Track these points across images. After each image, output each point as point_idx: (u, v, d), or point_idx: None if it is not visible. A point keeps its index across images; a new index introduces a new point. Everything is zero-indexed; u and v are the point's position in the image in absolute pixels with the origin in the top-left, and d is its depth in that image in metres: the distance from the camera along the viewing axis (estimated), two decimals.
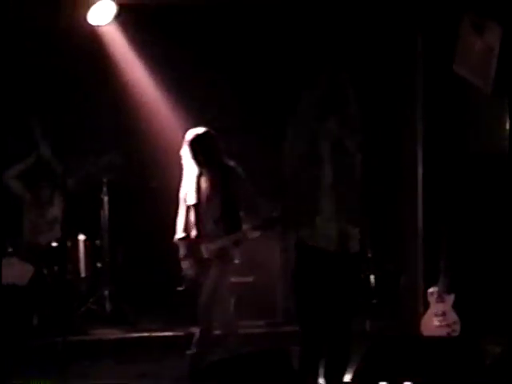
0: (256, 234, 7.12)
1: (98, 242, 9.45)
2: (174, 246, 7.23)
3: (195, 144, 7.13)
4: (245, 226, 7.09)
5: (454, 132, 8.52)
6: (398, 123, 9.25)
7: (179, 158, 7.32)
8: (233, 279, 8.69)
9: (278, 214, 6.74)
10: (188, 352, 7.06)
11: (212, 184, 7.13)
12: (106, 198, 9.39)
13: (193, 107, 9.19)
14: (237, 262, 7.19)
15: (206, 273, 7.05)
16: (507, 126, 7.54)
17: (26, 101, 9.42)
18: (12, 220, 9.24)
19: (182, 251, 7.25)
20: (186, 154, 7.21)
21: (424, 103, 8.91)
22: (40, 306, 8.75)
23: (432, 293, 8.07)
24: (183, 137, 7.17)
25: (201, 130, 7.17)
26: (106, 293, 9.29)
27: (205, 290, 7.04)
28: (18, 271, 8.69)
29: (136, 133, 9.58)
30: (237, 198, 7.11)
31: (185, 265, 7.23)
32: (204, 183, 7.16)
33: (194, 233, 7.18)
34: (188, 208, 7.22)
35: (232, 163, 7.14)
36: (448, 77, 8.25)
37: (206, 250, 7.07)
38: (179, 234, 7.25)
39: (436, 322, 7.95)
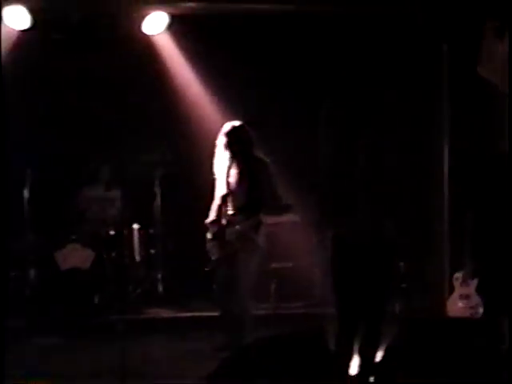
0: (272, 219, 7.14)
1: (151, 230, 9.55)
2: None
3: (230, 135, 7.11)
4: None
5: (478, 129, 8.51)
6: (427, 122, 9.21)
7: None
8: (274, 265, 8.84)
9: (291, 202, 6.81)
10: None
11: (240, 174, 7.09)
12: (158, 191, 9.49)
13: (236, 108, 9.19)
14: (261, 246, 7.09)
15: (229, 257, 7.02)
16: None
17: (88, 105, 9.48)
18: (73, 210, 9.39)
19: (208, 234, 7.24)
20: (220, 143, 7.19)
21: (450, 103, 8.94)
22: (100, 287, 8.89)
23: (457, 278, 8.09)
24: None
25: (237, 123, 7.15)
26: (159, 276, 9.45)
27: (225, 273, 7.07)
28: (80, 256, 8.85)
29: (185, 132, 9.60)
30: (261, 188, 7.02)
31: (209, 247, 7.23)
32: (233, 173, 7.13)
33: (221, 218, 7.16)
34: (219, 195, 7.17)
35: (261, 156, 7.10)
36: (472, 78, 8.22)
37: (228, 234, 7.06)
38: (209, 218, 7.24)
39: (460, 304, 7.96)
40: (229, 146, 7.09)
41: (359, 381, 5.98)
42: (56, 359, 7.59)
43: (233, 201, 7.10)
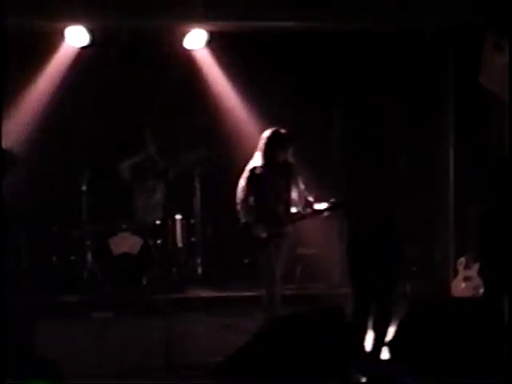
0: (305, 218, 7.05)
1: (192, 220, 9.59)
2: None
3: (269, 140, 6.98)
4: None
5: (480, 131, 8.49)
6: (433, 125, 9.20)
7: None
8: (300, 251, 8.87)
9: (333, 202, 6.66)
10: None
11: (276, 177, 6.97)
12: (198, 186, 9.55)
13: (266, 115, 9.17)
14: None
15: (273, 244, 6.91)
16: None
17: (138, 112, 9.54)
18: (124, 203, 9.42)
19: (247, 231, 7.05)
20: (260, 147, 7.03)
21: (455, 107, 8.95)
22: (147, 270, 8.94)
23: (461, 262, 8.11)
24: (258, 136, 7.12)
25: (276, 129, 7.01)
26: (198, 260, 9.49)
27: (267, 258, 6.93)
28: (130, 243, 8.94)
29: (221, 135, 9.63)
30: (295, 185, 6.99)
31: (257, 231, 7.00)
32: (269, 175, 6.96)
33: (254, 215, 6.97)
34: (251, 194, 7.00)
35: (292, 160, 7.02)
36: (474, 87, 8.21)
37: (266, 229, 6.89)
38: (242, 218, 7.03)
39: (463, 285, 7.99)
40: (267, 150, 6.97)
41: (373, 353, 6.03)
42: (107, 331, 7.71)
43: (267, 200, 6.96)
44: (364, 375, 5.75)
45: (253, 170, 6.96)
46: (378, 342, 5.99)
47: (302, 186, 7.02)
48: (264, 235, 6.85)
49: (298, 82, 9.50)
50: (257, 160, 7.00)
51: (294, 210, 6.98)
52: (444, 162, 9.07)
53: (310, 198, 6.99)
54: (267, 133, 7.00)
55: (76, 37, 8.70)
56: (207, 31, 8.80)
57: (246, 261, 9.32)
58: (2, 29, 6.84)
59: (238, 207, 7.01)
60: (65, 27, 8.53)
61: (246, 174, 6.99)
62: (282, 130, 7.00)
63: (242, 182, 6.98)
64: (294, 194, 7.00)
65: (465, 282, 8.02)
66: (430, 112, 9.16)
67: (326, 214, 6.78)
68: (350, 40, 9.03)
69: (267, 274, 6.91)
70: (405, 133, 5.98)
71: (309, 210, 6.93)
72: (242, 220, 7.00)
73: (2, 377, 4.73)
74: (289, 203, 6.98)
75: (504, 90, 7.55)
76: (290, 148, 7.00)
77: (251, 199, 6.95)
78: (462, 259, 8.14)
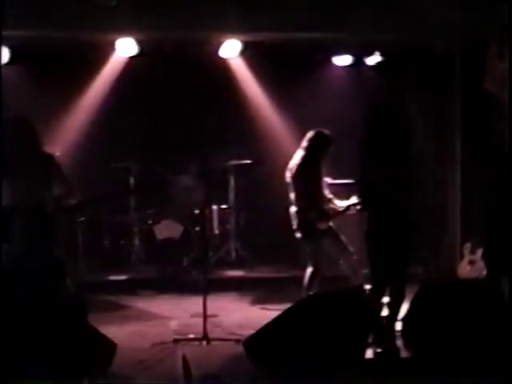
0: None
1: (227, 210, 9.59)
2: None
3: (313, 140, 6.80)
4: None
5: (485, 131, 8.42)
6: (442, 127, 9.16)
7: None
8: None
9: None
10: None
11: (318, 173, 6.81)
12: (232, 179, 9.55)
13: (297, 117, 9.21)
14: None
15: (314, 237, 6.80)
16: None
17: (180, 115, 9.57)
18: (168, 195, 9.44)
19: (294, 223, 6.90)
20: (303, 146, 6.84)
21: (461, 111, 8.90)
22: (187, 253, 8.98)
23: (466, 247, 8.10)
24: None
25: (319, 130, 6.84)
26: (232, 245, 9.48)
27: (316, 245, 6.81)
28: (172, 229, 8.98)
29: (254, 134, 9.61)
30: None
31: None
32: (312, 171, 6.78)
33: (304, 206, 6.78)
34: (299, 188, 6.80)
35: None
36: (479, 91, 8.15)
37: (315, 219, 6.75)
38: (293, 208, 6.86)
39: (468, 268, 7.96)
40: (310, 149, 6.80)
41: (387, 328, 6.02)
42: (151, 307, 7.75)
43: (318, 191, 6.80)
44: (380, 347, 5.77)
45: (299, 166, 6.78)
46: (392, 318, 6.00)
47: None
48: (315, 223, 6.72)
49: (323, 89, 9.45)
50: (300, 157, 6.83)
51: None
52: (452, 157, 9.01)
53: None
54: (311, 133, 6.84)
55: (125, 48, 8.72)
56: (241, 41, 8.75)
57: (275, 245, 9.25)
58: None
59: (291, 198, 6.84)
60: (116, 39, 8.56)
61: (292, 170, 6.81)
62: (325, 131, 6.86)
63: (289, 178, 6.83)
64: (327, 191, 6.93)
65: (470, 265, 8.00)
66: (439, 110, 9.10)
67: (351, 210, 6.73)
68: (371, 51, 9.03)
69: (311, 258, 6.83)
70: (418, 130, 5.95)
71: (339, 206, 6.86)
72: (293, 210, 6.86)
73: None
74: (326, 197, 6.88)
75: (504, 92, 7.52)
76: (330, 148, 6.84)
77: (299, 193, 6.79)
78: (468, 245, 8.13)
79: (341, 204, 6.86)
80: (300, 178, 6.75)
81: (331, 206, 6.88)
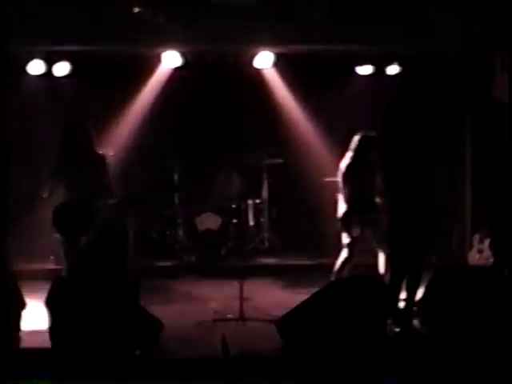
0: None
1: (261, 204, 9.52)
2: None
3: (360, 142, 6.74)
4: None
5: (493, 134, 8.31)
6: (454, 125, 9.04)
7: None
8: None
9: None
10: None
11: (366, 172, 6.73)
12: (265, 177, 9.45)
13: (322, 124, 9.22)
14: None
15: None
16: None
17: (219, 120, 9.50)
18: (208, 190, 9.43)
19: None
20: (352, 148, 6.80)
21: (472, 116, 8.79)
22: (225, 243, 8.96)
23: (475, 237, 8.01)
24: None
25: (365, 133, 6.78)
26: (266, 235, 9.42)
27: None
28: (212, 221, 8.95)
29: (285, 137, 9.54)
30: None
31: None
32: (360, 170, 6.74)
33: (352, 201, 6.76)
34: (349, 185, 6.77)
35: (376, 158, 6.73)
36: (489, 97, 8.08)
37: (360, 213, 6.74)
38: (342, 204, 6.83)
39: (477, 256, 7.87)
40: (359, 150, 6.75)
41: (405, 309, 5.99)
42: (194, 290, 7.76)
43: (366, 188, 6.73)
44: (398, 326, 5.74)
45: (349, 166, 6.76)
46: (409, 301, 5.97)
47: (379, 180, 6.74)
48: (357, 217, 6.71)
49: (347, 96, 9.37)
50: (350, 158, 6.80)
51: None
52: (463, 158, 8.93)
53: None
54: (358, 136, 6.80)
55: (171, 59, 8.72)
56: (274, 53, 8.68)
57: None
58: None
59: (340, 195, 6.82)
60: (162, 52, 8.57)
61: (342, 169, 6.79)
62: (371, 133, 6.80)
63: (341, 176, 6.80)
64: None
65: (478, 254, 7.91)
66: (452, 114, 8.98)
67: None
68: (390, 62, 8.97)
69: (348, 245, 6.81)
70: (432, 133, 5.89)
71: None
72: (341, 205, 6.82)
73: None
74: (374, 194, 6.75)
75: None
76: (375, 149, 6.74)
77: (349, 189, 6.76)
78: (477, 235, 8.03)
79: None
80: (349, 177, 6.75)
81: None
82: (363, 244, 6.89)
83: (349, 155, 6.82)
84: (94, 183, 6.05)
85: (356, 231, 6.74)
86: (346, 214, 6.77)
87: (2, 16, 6.11)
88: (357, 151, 6.77)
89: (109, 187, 6.16)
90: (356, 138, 6.81)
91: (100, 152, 6.31)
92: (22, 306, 4.90)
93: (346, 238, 6.83)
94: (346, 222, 6.77)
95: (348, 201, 6.75)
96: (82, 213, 6.01)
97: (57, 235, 6.08)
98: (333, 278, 6.69)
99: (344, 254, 6.83)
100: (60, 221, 6.03)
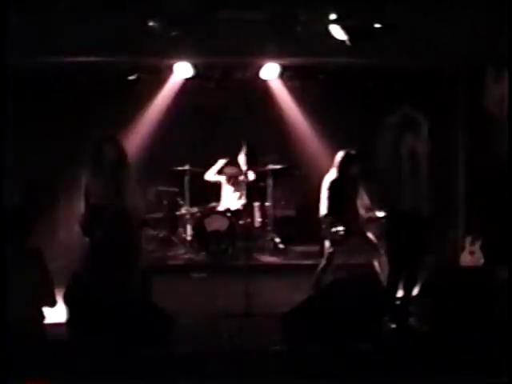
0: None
1: (266, 206, 9.52)
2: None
3: (343, 159, 6.82)
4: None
5: (485, 143, 8.29)
6: (450, 137, 9.02)
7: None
8: None
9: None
10: None
11: (348, 187, 6.84)
12: (270, 181, 9.43)
13: (329, 134, 9.16)
14: None
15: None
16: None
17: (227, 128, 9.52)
18: (216, 194, 9.46)
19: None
20: (335, 164, 6.87)
21: (466, 125, 8.78)
22: (233, 243, 8.85)
23: (467, 240, 7.99)
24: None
25: (347, 151, 6.85)
26: (270, 237, 9.43)
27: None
28: (219, 222, 8.92)
29: (290, 145, 9.57)
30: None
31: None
32: (343, 186, 6.81)
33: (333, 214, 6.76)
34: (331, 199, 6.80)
35: (358, 174, 6.88)
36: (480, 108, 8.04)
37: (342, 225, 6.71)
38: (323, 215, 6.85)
39: (469, 257, 7.85)
40: (342, 165, 6.82)
41: (401, 306, 5.96)
42: (202, 287, 7.81)
43: (348, 202, 6.84)
44: (394, 323, 5.71)
45: (332, 181, 6.81)
46: (406, 298, 5.95)
47: (364, 196, 6.90)
48: (339, 229, 6.68)
49: (349, 107, 9.38)
50: (333, 174, 6.86)
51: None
52: (456, 164, 8.90)
53: (369, 206, 6.88)
54: (341, 153, 6.86)
55: (182, 70, 8.72)
56: (280, 64, 8.70)
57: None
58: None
59: (321, 209, 6.84)
60: (174, 63, 8.58)
61: (326, 184, 6.83)
62: (352, 151, 6.85)
63: (324, 191, 6.83)
64: (359, 202, 6.90)
65: (470, 255, 7.88)
66: (446, 124, 8.91)
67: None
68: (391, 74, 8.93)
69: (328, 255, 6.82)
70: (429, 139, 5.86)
71: (371, 215, 6.77)
72: (323, 215, 6.83)
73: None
74: (357, 208, 6.87)
75: (500, 109, 7.43)
76: (357, 165, 6.84)
77: (331, 203, 6.79)
78: (468, 238, 8.00)
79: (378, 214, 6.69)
80: (328, 191, 6.79)
81: (370, 214, 6.81)
82: (362, 244, 6.87)
83: (333, 171, 6.88)
84: (120, 191, 6.04)
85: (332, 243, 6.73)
86: (326, 215, 6.79)
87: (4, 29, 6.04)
88: (339, 167, 6.84)
89: (134, 195, 6.16)
90: (339, 155, 6.87)
91: (128, 162, 6.22)
92: (53, 303, 4.90)
93: (328, 248, 6.83)
94: (328, 221, 6.76)
95: (323, 213, 6.80)
96: (105, 215, 6.02)
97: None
98: (311, 290, 6.65)
99: (323, 261, 6.83)
100: (87, 224, 6.07)
